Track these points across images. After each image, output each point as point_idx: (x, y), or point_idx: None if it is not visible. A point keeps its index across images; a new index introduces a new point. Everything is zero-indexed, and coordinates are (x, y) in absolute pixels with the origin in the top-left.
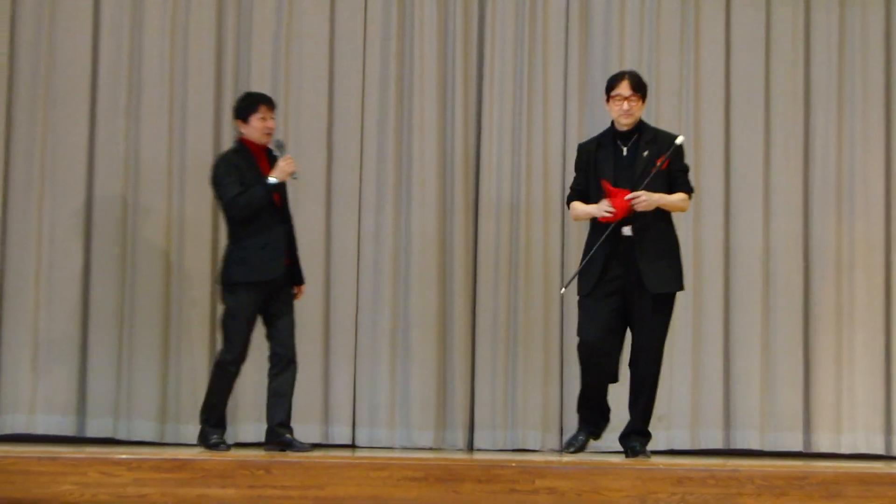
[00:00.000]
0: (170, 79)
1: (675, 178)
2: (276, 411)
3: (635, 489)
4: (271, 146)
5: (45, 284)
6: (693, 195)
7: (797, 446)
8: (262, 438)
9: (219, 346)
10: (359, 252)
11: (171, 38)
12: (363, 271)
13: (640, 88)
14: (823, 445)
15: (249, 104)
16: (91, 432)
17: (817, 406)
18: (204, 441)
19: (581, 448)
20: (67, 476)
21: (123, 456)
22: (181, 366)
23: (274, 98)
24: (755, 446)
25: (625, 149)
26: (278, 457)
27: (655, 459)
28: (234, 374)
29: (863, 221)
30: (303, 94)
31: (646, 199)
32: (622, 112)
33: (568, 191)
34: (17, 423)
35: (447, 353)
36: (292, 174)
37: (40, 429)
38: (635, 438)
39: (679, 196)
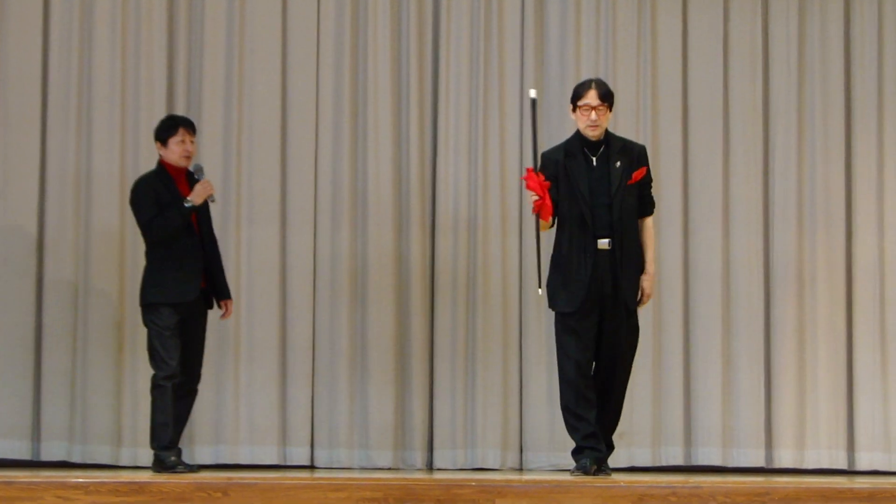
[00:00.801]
0: (121, 94)
1: (643, 190)
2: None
3: None
4: (191, 169)
5: None
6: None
7: (759, 462)
8: (219, 461)
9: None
10: (315, 271)
11: (122, 52)
12: (319, 291)
13: (607, 98)
14: (786, 461)
15: (168, 127)
16: (45, 456)
17: (779, 421)
18: (161, 466)
19: (599, 469)
20: (23, 501)
21: (80, 480)
22: (136, 388)
23: (227, 115)
24: (717, 462)
25: (594, 159)
26: (236, 478)
27: (616, 476)
28: (173, 390)
29: (824, 234)
30: (255, 111)
31: (649, 290)
32: (590, 122)
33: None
34: None
35: (405, 372)
36: (210, 197)
37: None
38: None
39: (651, 230)
